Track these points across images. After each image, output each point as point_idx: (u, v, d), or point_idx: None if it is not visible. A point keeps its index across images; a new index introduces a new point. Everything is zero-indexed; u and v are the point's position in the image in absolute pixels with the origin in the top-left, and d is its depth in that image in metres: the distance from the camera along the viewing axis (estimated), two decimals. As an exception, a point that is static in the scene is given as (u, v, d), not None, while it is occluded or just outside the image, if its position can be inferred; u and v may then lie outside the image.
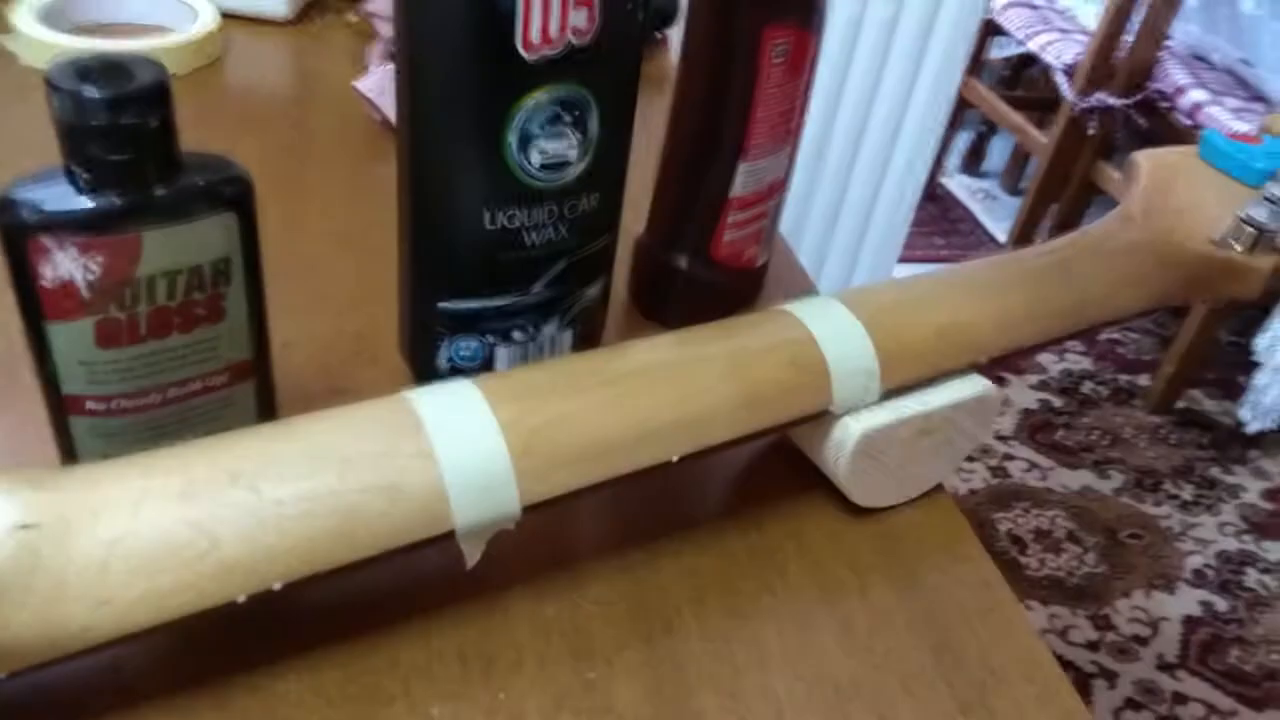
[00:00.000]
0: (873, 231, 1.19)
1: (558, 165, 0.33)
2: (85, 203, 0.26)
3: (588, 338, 0.39)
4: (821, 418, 0.34)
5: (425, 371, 0.37)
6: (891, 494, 0.36)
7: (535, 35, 0.30)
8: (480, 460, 0.28)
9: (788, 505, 0.36)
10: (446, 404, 0.28)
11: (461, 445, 0.27)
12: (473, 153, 0.32)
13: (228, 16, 0.62)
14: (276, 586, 0.25)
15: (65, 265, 0.27)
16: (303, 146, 0.54)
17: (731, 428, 0.31)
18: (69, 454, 0.30)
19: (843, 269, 1.22)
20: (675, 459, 0.30)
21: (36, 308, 0.27)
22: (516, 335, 0.36)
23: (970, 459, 1.65)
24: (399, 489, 0.27)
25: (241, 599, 0.25)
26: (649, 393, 0.30)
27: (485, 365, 0.37)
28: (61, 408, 0.29)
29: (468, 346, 0.36)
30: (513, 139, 0.32)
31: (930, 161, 1.14)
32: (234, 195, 0.29)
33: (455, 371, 0.37)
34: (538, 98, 0.31)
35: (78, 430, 0.30)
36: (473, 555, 0.29)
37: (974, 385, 0.35)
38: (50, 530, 0.23)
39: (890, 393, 0.34)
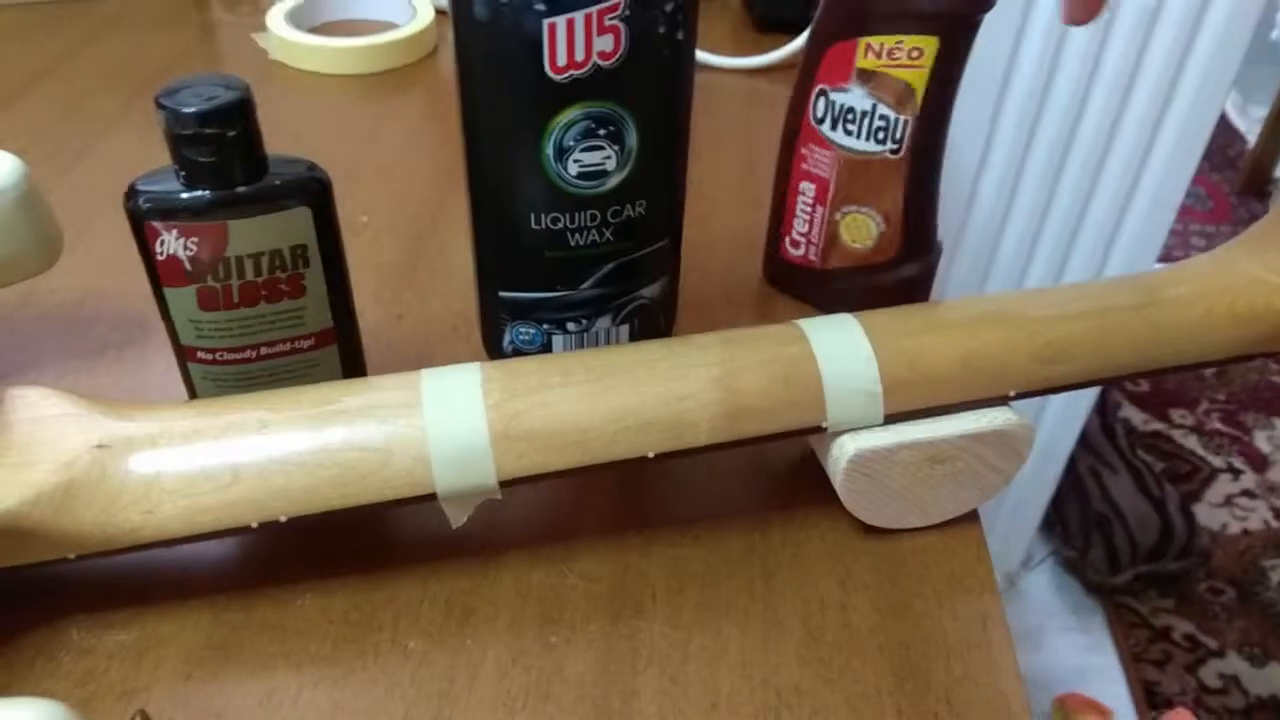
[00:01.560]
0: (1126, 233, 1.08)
1: (595, 174, 0.36)
2: (184, 195, 0.33)
3: (648, 333, 0.42)
4: (821, 433, 0.34)
5: (494, 352, 0.41)
6: (903, 517, 0.36)
7: (562, 59, 0.33)
8: (462, 437, 0.32)
9: (801, 514, 0.37)
10: (448, 385, 0.33)
11: (448, 423, 0.32)
12: (516, 162, 0.36)
13: (442, 13, 0.70)
14: (283, 519, 0.31)
15: (171, 244, 0.34)
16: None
17: (712, 435, 0.33)
18: (192, 391, 0.38)
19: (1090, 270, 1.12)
20: (652, 455, 0.33)
21: (155, 276, 0.35)
22: (570, 326, 0.40)
23: (1250, 495, 1.46)
24: (390, 453, 0.31)
25: (254, 525, 0.31)
26: (631, 390, 0.33)
27: (544, 349, 0.41)
28: (183, 355, 0.37)
29: (527, 332, 0.40)
30: (550, 151, 0.35)
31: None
32: (310, 193, 0.35)
33: (518, 354, 0.41)
34: (571, 115, 0.34)
35: (195, 374, 0.37)
36: (457, 518, 0.33)
37: (995, 418, 0.34)
38: (117, 451, 0.31)
39: (900, 416, 0.34)
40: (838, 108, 0.40)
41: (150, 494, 0.30)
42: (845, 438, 0.34)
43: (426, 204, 0.54)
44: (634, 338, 0.41)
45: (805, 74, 0.42)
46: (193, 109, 0.32)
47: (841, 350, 0.34)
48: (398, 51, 0.65)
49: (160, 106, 0.32)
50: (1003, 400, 0.35)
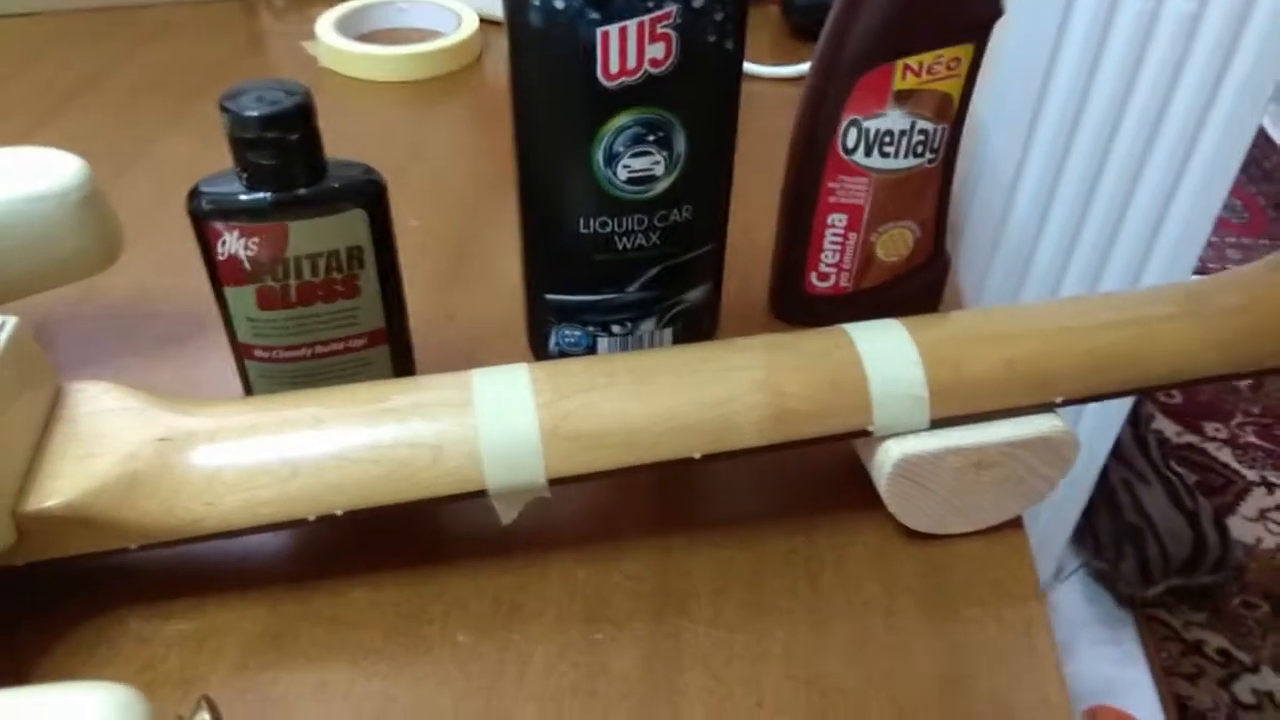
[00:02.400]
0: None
1: (644, 180, 0.36)
2: (245, 197, 0.34)
3: (691, 337, 0.42)
4: (868, 437, 0.35)
5: (540, 353, 0.42)
6: (948, 522, 0.36)
7: (614, 66, 0.34)
8: (512, 436, 0.32)
9: (845, 518, 0.37)
10: (499, 384, 0.33)
11: (499, 422, 0.32)
12: (566, 167, 0.36)
13: (486, 22, 0.71)
14: (339, 513, 0.32)
15: (232, 244, 0.35)
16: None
17: (758, 437, 0.33)
18: (247, 388, 0.39)
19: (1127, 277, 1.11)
20: (698, 456, 0.33)
21: (216, 275, 0.36)
22: (615, 329, 0.40)
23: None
24: (442, 450, 0.32)
25: (311, 518, 0.32)
26: (677, 393, 0.33)
27: (589, 352, 0.41)
28: (239, 353, 0.38)
29: (572, 334, 0.41)
30: (600, 156, 0.36)
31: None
32: (366, 196, 0.36)
33: (563, 355, 0.41)
34: (621, 120, 0.35)
35: (251, 371, 0.38)
36: (507, 515, 0.33)
37: (1040, 424, 0.34)
38: (180, 444, 0.31)
39: (945, 421, 0.34)
40: (873, 134, 0.40)
41: (212, 486, 0.31)
42: (891, 442, 0.34)
43: (474, 209, 0.54)
44: (677, 341, 0.42)
45: (827, 107, 0.40)
46: (255, 113, 0.33)
47: (887, 354, 0.34)
48: (444, 59, 0.66)
49: (224, 110, 0.33)
50: (1048, 407, 0.35)
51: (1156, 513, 1.31)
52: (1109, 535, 1.34)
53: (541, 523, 0.36)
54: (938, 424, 0.34)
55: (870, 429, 0.34)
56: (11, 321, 0.32)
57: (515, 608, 0.34)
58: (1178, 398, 1.69)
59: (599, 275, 0.39)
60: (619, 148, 0.35)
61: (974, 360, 0.34)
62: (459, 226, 0.53)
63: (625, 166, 0.36)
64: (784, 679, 0.32)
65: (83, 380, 0.34)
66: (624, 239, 0.38)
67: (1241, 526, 1.44)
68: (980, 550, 0.36)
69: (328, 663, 0.32)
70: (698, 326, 0.42)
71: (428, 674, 0.32)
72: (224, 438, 0.32)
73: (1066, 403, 0.35)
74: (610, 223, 0.37)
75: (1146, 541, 1.30)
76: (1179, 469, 1.42)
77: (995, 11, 0.38)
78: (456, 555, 0.36)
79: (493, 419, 0.32)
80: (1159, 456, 1.41)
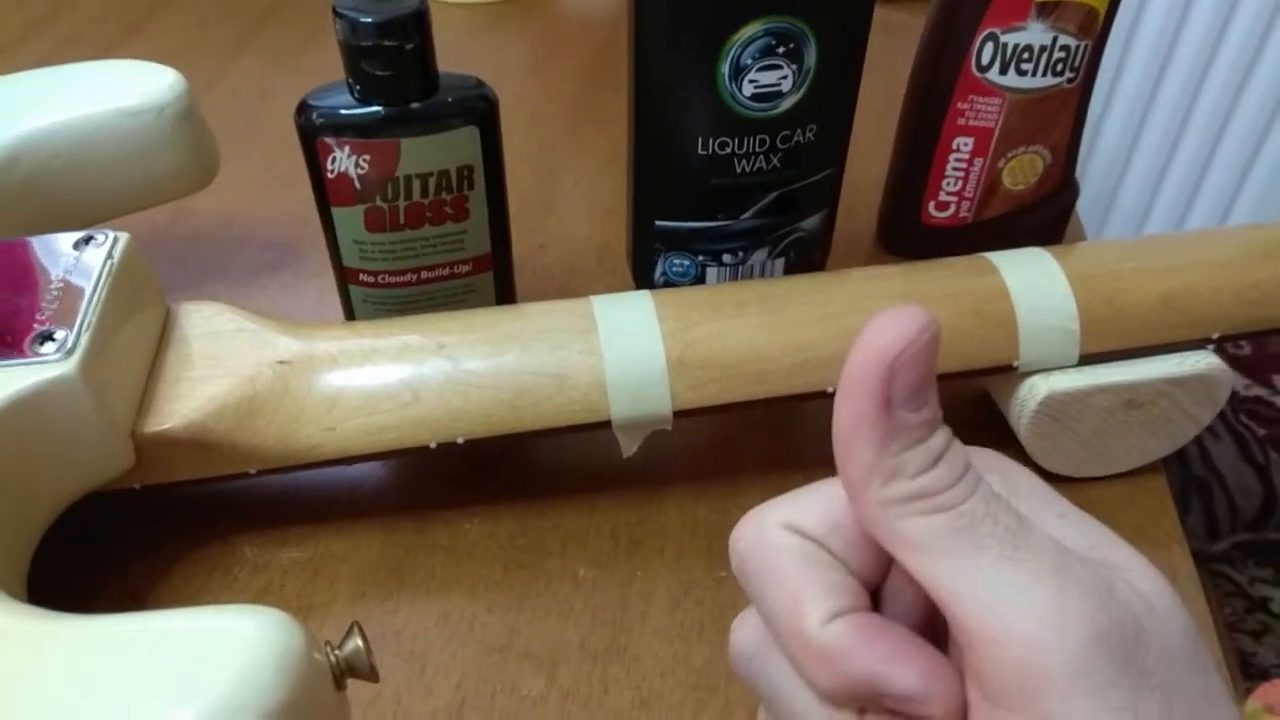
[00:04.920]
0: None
1: (769, 96, 0.34)
2: (358, 111, 0.32)
3: (803, 266, 0.40)
4: (1010, 373, 0.33)
5: (643, 282, 0.40)
6: (1088, 464, 0.34)
7: None
8: (638, 364, 0.31)
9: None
10: (621, 311, 0.32)
11: (624, 349, 0.31)
12: (688, 80, 0.34)
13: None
14: (460, 440, 0.31)
15: (342, 161, 0.33)
16: (609, 67, 0.59)
17: (896, 368, 0.32)
18: (349, 314, 0.38)
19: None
20: (831, 390, 0.32)
21: (324, 194, 0.34)
22: (726, 258, 0.39)
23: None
24: (566, 377, 0.31)
25: (433, 445, 0.31)
26: (809, 322, 0.31)
27: (697, 281, 0.39)
28: (343, 277, 0.37)
29: (680, 264, 0.39)
30: (726, 69, 0.33)
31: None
32: (480, 112, 0.34)
33: (669, 285, 0.40)
34: (753, 29, 0.33)
35: (354, 296, 0.37)
36: (628, 447, 0.32)
37: (1197, 361, 0.32)
38: (299, 368, 0.30)
39: (1095, 357, 0.32)
40: (1010, 49, 0.37)
41: (333, 411, 0.30)
42: (1037, 378, 0.32)
43: (558, 134, 0.53)
44: (789, 272, 0.40)
45: (961, 20, 0.38)
46: (372, 19, 0.31)
47: (1036, 284, 0.32)
48: (520, -19, 0.64)
49: (338, 15, 0.31)
50: (1203, 343, 0.33)
51: (1226, 466, 1.28)
52: (1176, 488, 1.31)
53: (655, 458, 0.35)
54: (1086, 360, 0.32)
55: (1015, 364, 0.32)
56: (123, 238, 0.30)
57: (635, 543, 0.33)
58: (1246, 348, 1.64)
59: (714, 201, 0.37)
60: (746, 60, 0.33)
61: (1128, 292, 0.32)
62: (544, 153, 0.51)
63: (751, 81, 0.34)
64: (920, 622, 0.31)
65: (195, 301, 0.32)
66: (743, 161, 0.36)
67: (1311, 482, 1.40)
68: (1120, 494, 0.34)
69: (448, 594, 0.31)
70: (810, 256, 0.40)
71: (550, 607, 0.31)
72: (344, 362, 0.31)
73: (1223, 339, 0.33)
74: (731, 143, 0.35)
75: (1215, 495, 1.27)
76: (1249, 422, 1.38)
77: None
78: (570, 489, 0.34)
79: (617, 347, 0.31)
80: (1228, 409, 1.37)
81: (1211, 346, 0.33)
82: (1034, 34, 0.37)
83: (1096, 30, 0.37)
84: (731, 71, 0.33)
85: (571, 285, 0.43)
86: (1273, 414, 1.55)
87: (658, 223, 0.38)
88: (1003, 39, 0.37)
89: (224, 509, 0.33)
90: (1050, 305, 0.32)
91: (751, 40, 0.33)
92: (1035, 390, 0.32)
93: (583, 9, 0.65)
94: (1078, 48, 0.38)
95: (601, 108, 0.55)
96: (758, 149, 0.36)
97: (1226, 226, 0.35)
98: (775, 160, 0.36)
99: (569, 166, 0.50)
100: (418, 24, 0.32)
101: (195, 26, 0.62)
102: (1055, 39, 0.37)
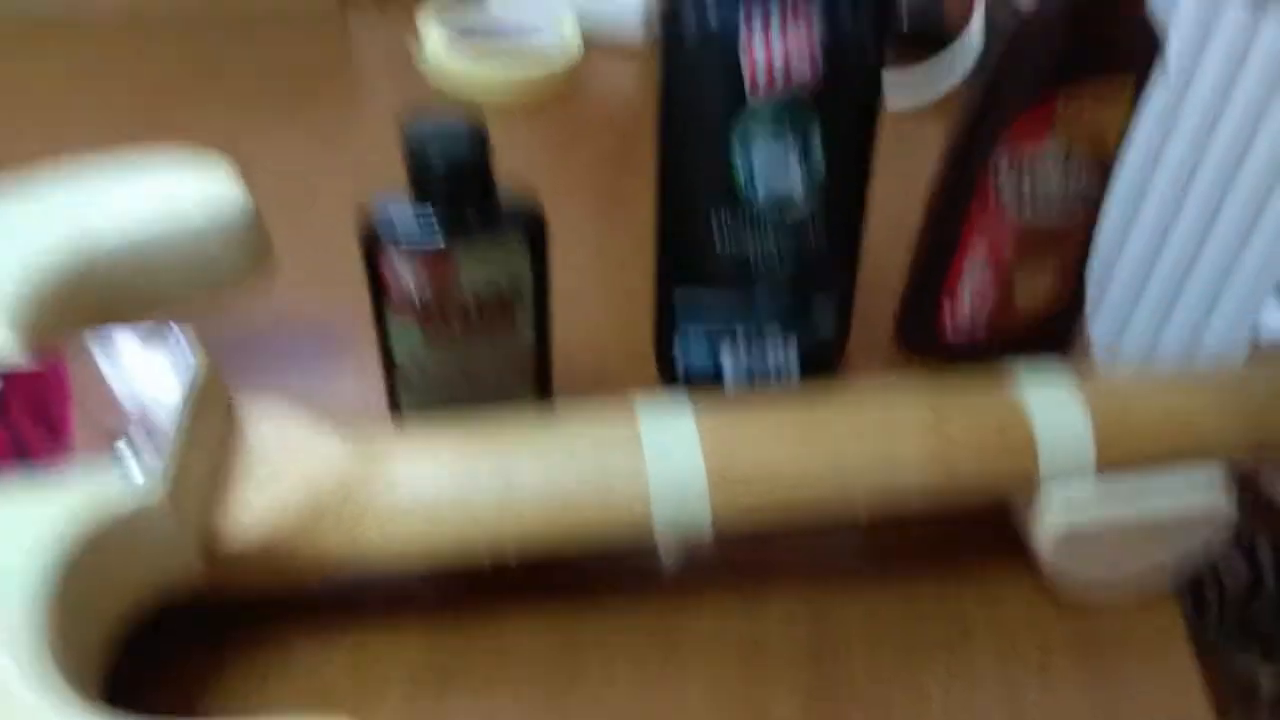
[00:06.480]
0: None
1: (780, 189, 0.36)
2: (420, 227, 0.34)
3: (816, 360, 0.42)
4: (1028, 493, 0.34)
5: (664, 360, 0.42)
6: (1102, 582, 0.36)
7: (760, 77, 0.34)
8: (681, 480, 0.32)
9: (992, 572, 0.37)
10: (664, 423, 0.33)
11: (668, 464, 0.32)
12: (706, 168, 0.36)
13: (592, 34, 0.71)
14: (511, 552, 0.32)
15: (401, 271, 0.35)
16: (633, 157, 0.61)
17: (923, 489, 0.33)
18: (395, 406, 0.39)
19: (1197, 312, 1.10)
20: (863, 506, 0.33)
21: (380, 299, 0.36)
22: (740, 340, 0.41)
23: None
24: (612, 490, 0.32)
25: (484, 559, 0.32)
26: (845, 439, 0.33)
27: (712, 358, 0.41)
28: (391, 373, 0.38)
29: (697, 338, 0.41)
30: (739, 160, 0.36)
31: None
32: (532, 231, 0.36)
33: (686, 365, 0.42)
34: (763, 129, 0.35)
35: (401, 390, 0.39)
36: (668, 557, 0.33)
37: (1205, 489, 0.34)
38: (360, 476, 0.32)
39: (1107, 478, 0.34)
40: (1026, 168, 0.40)
41: (394, 518, 0.31)
42: (1055, 502, 0.34)
43: (589, 221, 0.55)
44: (801, 357, 0.42)
45: (979, 143, 0.40)
46: (438, 145, 0.33)
47: (1054, 402, 0.34)
48: (548, 72, 0.67)
49: (406, 139, 0.33)
50: (1211, 465, 0.35)
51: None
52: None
53: (693, 562, 0.36)
54: (1101, 477, 0.34)
55: (1035, 480, 0.34)
56: (200, 352, 0.32)
57: (672, 646, 0.34)
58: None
59: (728, 280, 0.39)
60: (758, 154, 0.36)
61: (1142, 414, 0.34)
62: (578, 241, 0.53)
63: (763, 173, 0.36)
64: (945, 735, 0.32)
65: (258, 398, 0.34)
66: (755, 245, 0.38)
67: (1296, 562, 1.42)
68: (1129, 612, 0.36)
69: (493, 695, 0.32)
70: (824, 351, 0.42)
71: (590, 710, 0.32)
72: (405, 471, 0.32)
73: (1230, 461, 0.34)
74: (744, 228, 0.37)
75: (1203, 577, 1.28)
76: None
77: (1156, 45, 0.38)
78: (610, 590, 0.36)
79: (662, 461, 0.32)
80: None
81: (1219, 469, 0.35)
82: (1050, 155, 0.39)
83: (1110, 155, 0.40)
84: (744, 162, 0.36)
85: (605, 377, 0.44)
86: (1258, 493, 1.57)
87: (677, 299, 0.40)
88: (1020, 159, 0.39)
89: (280, 609, 0.34)
90: (1067, 424, 0.33)
91: (763, 137, 0.35)
92: (1055, 514, 0.34)
93: (609, 97, 0.68)
94: (1091, 175, 0.40)
95: (630, 194, 0.57)
96: (769, 235, 0.38)
97: (1235, 357, 0.37)
98: (785, 246, 0.38)
99: (600, 254, 0.52)
100: (481, 150, 0.34)
101: (239, 99, 0.64)
102: (1069, 160, 0.39)
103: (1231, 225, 1.02)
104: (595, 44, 0.72)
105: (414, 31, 0.69)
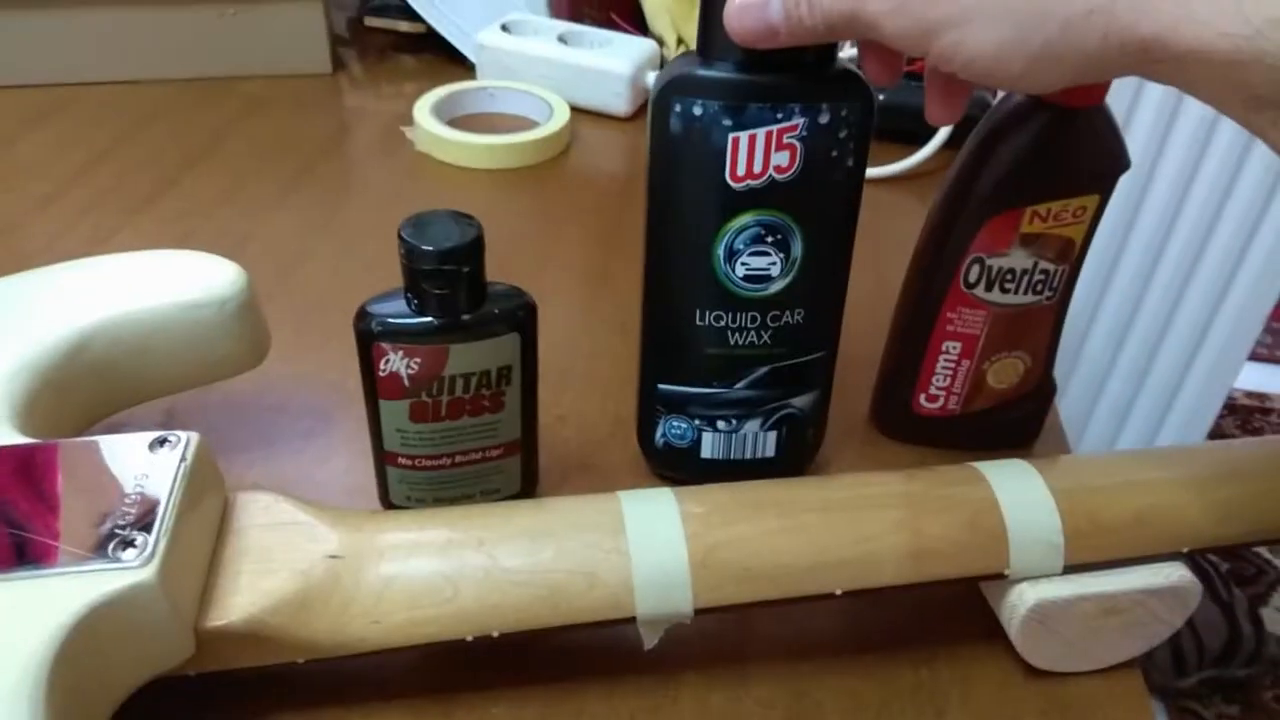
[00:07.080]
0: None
1: (759, 279, 0.38)
2: (413, 321, 0.36)
3: (795, 444, 0.43)
4: (1002, 580, 0.36)
5: (646, 442, 0.43)
6: (1071, 662, 0.37)
7: (741, 169, 0.36)
8: (664, 565, 0.33)
9: (965, 649, 0.38)
10: (647, 511, 0.34)
11: (651, 550, 0.33)
12: (690, 260, 0.38)
13: (577, 111, 0.73)
14: (495, 634, 0.33)
15: (395, 362, 0.36)
16: (618, 235, 0.63)
17: (898, 575, 0.34)
18: (384, 490, 0.40)
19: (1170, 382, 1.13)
20: (839, 593, 0.34)
21: (374, 389, 0.37)
22: (721, 425, 0.42)
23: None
24: (597, 576, 0.33)
25: (469, 639, 0.33)
26: (821, 530, 0.34)
27: (694, 445, 0.42)
28: (382, 458, 0.39)
29: (679, 427, 0.42)
30: (720, 252, 0.37)
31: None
32: (521, 321, 0.37)
33: (668, 447, 0.43)
34: (744, 220, 0.37)
35: (391, 476, 0.40)
36: (650, 640, 0.34)
37: (1170, 574, 0.35)
38: (349, 562, 0.33)
39: (1077, 567, 0.35)
40: (995, 271, 0.41)
41: (380, 605, 0.32)
42: (1025, 586, 0.35)
43: (576, 301, 0.56)
44: (780, 446, 0.43)
45: (952, 244, 0.42)
46: (434, 248, 0.34)
47: (1025, 499, 0.35)
48: (538, 149, 0.69)
49: (403, 240, 0.35)
50: (1176, 555, 0.36)
51: (1191, 603, 1.31)
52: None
53: (671, 644, 0.37)
54: (1069, 569, 0.35)
55: (1006, 572, 0.35)
56: (195, 439, 0.33)
57: (653, 731, 0.35)
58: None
59: (710, 368, 0.40)
60: (739, 245, 0.37)
61: (1108, 509, 0.35)
62: (564, 323, 0.54)
63: (743, 264, 0.38)
64: (920, 818, 0.33)
65: (250, 491, 0.35)
66: (736, 334, 0.39)
67: (1273, 618, 1.44)
68: (1099, 690, 0.37)
69: (478, 782, 0.33)
70: (803, 433, 0.43)
71: (574, 797, 0.33)
72: (390, 556, 0.33)
73: (1193, 552, 0.36)
74: (724, 317, 0.39)
75: (1181, 631, 1.29)
76: (1213, 558, 1.41)
77: (1123, 164, 0.40)
78: (590, 673, 0.37)
79: (645, 548, 0.34)
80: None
81: (1182, 560, 0.36)
82: (1016, 259, 0.41)
83: (1073, 257, 0.42)
84: (726, 254, 0.37)
85: (590, 462, 0.46)
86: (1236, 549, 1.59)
87: (660, 386, 0.42)
88: (988, 262, 0.41)
89: (266, 688, 0.35)
90: (1037, 520, 0.35)
91: (743, 229, 0.37)
92: (1024, 598, 0.35)
93: (595, 175, 0.70)
94: (1056, 271, 0.42)
95: (614, 276, 0.59)
96: (750, 325, 0.39)
97: (1197, 445, 0.39)
98: (766, 337, 0.40)
99: (587, 337, 0.53)
100: (475, 250, 0.35)
101: (231, 181, 0.65)
102: (1036, 264, 0.41)
103: (1199, 300, 1.06)
104: (583, 114, 0.74)
105: (407, 111, 0.71)
